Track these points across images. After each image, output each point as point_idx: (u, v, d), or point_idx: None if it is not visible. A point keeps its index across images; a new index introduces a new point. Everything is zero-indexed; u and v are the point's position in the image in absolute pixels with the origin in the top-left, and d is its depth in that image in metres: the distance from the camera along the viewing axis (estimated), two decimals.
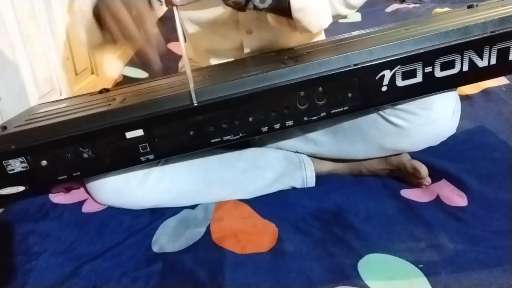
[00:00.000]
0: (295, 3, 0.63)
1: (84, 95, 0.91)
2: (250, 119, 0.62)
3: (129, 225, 0.71)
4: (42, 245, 0.66)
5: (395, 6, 2.11)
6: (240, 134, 0.63)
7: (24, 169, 0.61)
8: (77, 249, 0.66)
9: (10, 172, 0.61)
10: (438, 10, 1.42)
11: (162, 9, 1.49)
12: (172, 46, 1.47)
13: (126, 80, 1.37)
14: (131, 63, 1.49)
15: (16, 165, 0.60)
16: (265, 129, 0.63)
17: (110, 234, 0.69)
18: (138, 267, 0.62)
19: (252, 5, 0.60)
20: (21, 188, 0.63)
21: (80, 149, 0.61)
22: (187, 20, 0.81)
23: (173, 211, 0.74)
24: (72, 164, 0.62)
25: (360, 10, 2.10)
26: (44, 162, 0.61)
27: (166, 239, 0.67)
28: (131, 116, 0.60)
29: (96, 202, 0.75)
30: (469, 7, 0.85)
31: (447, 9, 1.40)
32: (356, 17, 1.97)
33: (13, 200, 0.76)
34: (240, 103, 0.61)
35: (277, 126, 0.63)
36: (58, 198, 0.77)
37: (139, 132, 0.60)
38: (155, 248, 0.66)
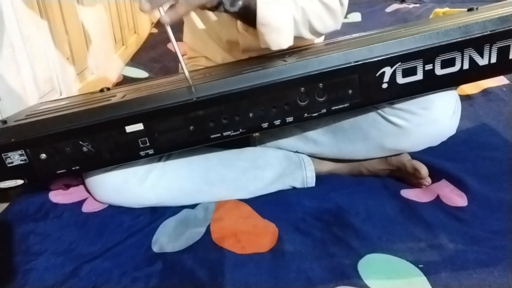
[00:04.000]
0: (261, 17, 0.64)
1: (85, 94, 0.91)
2: (250, 115, 0.62)
3: (129, 225, 0.71)
4: (42, 245, 0.66)
5: (395, 6, 2.12)
6: (240, 130, 0.63)
7: (23, 162, 0.60)
8: (77, 249, 0.66)
9: (9, 165, 0.60)
10: (438, 10, 1.42)
11: None
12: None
13: (126, 80, 1.37)
14: (131, 63, 1.49)
15: (15, 158, 0.60)
16: (265, 125, 0.63)
17: (110, 234, 0.69)
18: (138, 267, 0.62)
19: (223, 8, 0.62)
20: (19, 182, 0.62)
21: (80, 143, 0.60)
22: (209, 12, 0.80)
23: (173, 211, 0.74)
24: (71, 158, 0.62)
25: (360, 10, 2.11)
26: (43, 156, 0.60)
27: (166, 239, 0.67)
28: (131, 110, 0.60)
29: (96, 200, 0.75)
30: (469, 10, 0.85)
31: (447, 8, 1.40)
32: (356, 17, 1.97)
33: (13, 195, 0.76)
34: (240, 99, 0.61)
35: (277, 122, 0.63)
36: (57, 198, 0.77)
37: (139, 126, 0.60)
38: (155, 248, 0.66)
